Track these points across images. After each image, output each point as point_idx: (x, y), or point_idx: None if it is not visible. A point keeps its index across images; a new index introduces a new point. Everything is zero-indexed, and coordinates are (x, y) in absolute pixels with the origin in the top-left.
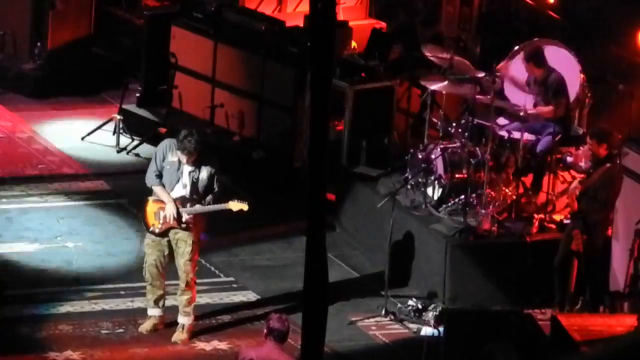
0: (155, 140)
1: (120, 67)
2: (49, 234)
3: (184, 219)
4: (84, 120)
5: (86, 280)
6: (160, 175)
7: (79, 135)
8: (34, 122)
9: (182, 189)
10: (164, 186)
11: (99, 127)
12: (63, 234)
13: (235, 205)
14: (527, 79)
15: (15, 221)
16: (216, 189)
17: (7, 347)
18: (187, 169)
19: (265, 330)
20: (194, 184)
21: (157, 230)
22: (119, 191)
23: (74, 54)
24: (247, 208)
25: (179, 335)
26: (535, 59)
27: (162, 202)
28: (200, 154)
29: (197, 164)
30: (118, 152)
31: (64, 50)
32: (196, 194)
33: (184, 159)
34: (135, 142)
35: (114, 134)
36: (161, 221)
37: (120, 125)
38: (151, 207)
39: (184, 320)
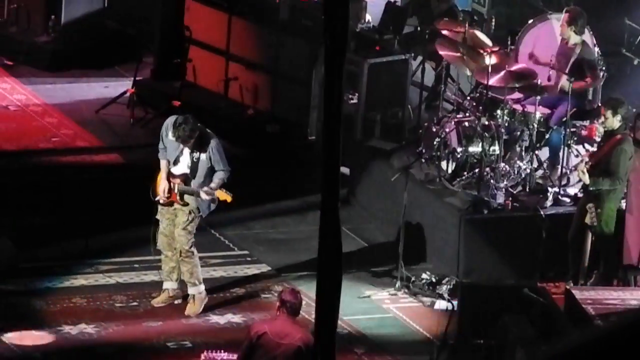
0: (169, 114)
1: (134, 40)
2: (64, 207)
3: (185, 197)
4: (98, 93)
5: (100, 254)
6: (165, 149)
7: (93, 108)
8: (48, 95)
9: (185, 168)
10: (168, 162)
11: (113, 100)
12: (77, 207)
13: (221, 194)
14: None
15: (30, 194)
16: (223, 169)
17: (22, 319)
18: (187, 149)
19: (277, 304)
20: (195, 164)
21: (161, 201)
22: (133, 164)
23: (87, 27)
24: (230, 200)
25: (190, 308)
26: (577, 22)
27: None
28: (197, 139)
29: (196, 147)
30: (132, 125)
31: (77, 23)
32: (197, 174)
33: (180, 143)
34: (150, 115)
35: (128, 107)
36: (163, 195)
37: (135, 98)
38: (159, 179)
39: (192, 290)
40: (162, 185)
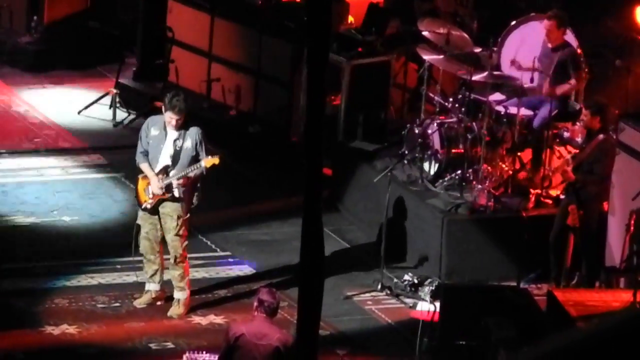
0: (151, 114)
1: (117, 41)
2: (45, 207)
3: (174, 185)
4: (80, 94)
5: (82, 254)
6: (146, 153)
7: (76, 109)
8: (30, 96)
9: (167, 159)
10: (149, 163)
11: (96, 101)
12: (59, 207)
13: (208, 162)
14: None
15: (11, 195)
16: (204, 157)
17: (3, 321)
18: (170, 137)
19: (255, 304)
20: (177, 152)
21: (149, 206)
22: (115, 165)
23: (70, 28)
24: (219, 161)
25: (175, 310)
26: (565, 26)
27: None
28: (185, 118)
29: (181, 129)
30: (114, 126)
31: (60, 24)
32: (179, 162)
33: (173, 119)
34: (132, 116)
35: (110, 107)
36: (150, 196)
37: (117, 99)
38: (141, 185)
39: (179, 295)
40: (153, 182)
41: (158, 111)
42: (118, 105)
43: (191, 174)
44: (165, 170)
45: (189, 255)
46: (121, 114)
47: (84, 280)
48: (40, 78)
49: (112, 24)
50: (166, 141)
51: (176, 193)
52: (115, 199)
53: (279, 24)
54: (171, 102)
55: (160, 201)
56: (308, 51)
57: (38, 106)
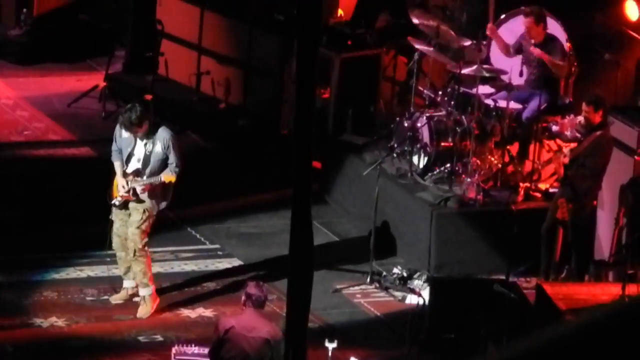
0: (141, 107)
1: (106, 33)
2: (35, 200)
3: (138, 191)
4: (69, 86)
5: (71, 247)
6: (120, 152)
7: (65, 102)
8: (19, 89)
9: (136, 163)
10: (121, 161)
11: (85, 94)
12: (49, 200)
13: (166, 177)
14: (517, 43)
15: (1, 186)
16: (174, 163)
17: None
18: (140, 142)
19: (243, 298)
20: (147, 157)
21: (117, 203)
22: (104, 158)
23: (60, 21)
24: (174, 180)
25: (143, 309)
26: (544, 20)
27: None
28: (149, 129)
29: (149, 137)
30: (104, 118)
31: (50, 16)
32: (150, 167)
33: (132, 133)
34: (122, 109)
35: (99, 100)
36: (120, 193)
37: (106, 92)
38: (116, 181)
39: (143, 291)
40: (119, 183)
41: (149, 104)
42: (107, 98)
43: (153, 181)
44: (137, 173)
45: (178, 248)
46: (111, 107)
47: (73, 272)
48: (29, 71)
49: (102, 16)
50: (136, 145)
51: (141, 197)
52: (104, 191)
53: (268, 17)
54: (121, 116)
55: (128, 200)
56: (298, 44)
57: (27, 99)
